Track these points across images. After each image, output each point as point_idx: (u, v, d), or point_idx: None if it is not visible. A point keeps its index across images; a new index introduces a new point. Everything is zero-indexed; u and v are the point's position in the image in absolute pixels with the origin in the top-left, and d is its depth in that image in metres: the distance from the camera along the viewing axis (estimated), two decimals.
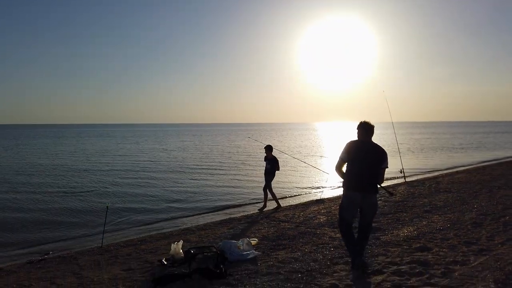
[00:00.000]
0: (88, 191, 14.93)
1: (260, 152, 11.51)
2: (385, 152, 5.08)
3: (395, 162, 22.11)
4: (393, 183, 15.42)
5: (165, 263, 5.95)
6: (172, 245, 6.21)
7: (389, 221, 8.10)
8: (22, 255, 7.83)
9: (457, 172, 18.22)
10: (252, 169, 21.70)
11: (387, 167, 5.06)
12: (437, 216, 8.25)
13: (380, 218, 8.37)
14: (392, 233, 7.04)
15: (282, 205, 11.25)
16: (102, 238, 7.99)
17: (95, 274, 5.88)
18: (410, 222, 7.82)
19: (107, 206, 8.25)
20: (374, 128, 5.22)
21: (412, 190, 12.45)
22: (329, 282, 4.73)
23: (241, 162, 26.04)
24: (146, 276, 5.53)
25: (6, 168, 22.91)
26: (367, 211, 5.14)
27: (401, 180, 15.82)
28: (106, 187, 15.90)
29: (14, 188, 15.71)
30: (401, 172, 15.67)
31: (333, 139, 61.89)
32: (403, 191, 12.38)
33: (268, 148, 11.01)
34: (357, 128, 5.21)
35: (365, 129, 5.11)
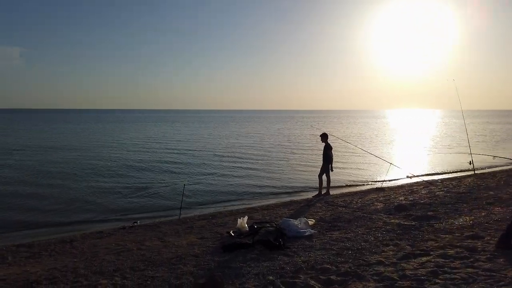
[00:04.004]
0: (166, 171, 16.69)
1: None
2: None
3: (464, 153, 21.14)
4: (460, 175, 14.99)
5: (233, 234, 6.90)
6: (239, 219, 7.14)
7: (447, 210, 8.24)
8: (115, 222, 9.40)
9: None
10: (316, 155, 22.19)
11: None
12: (499, 208, 8.18)
13: (439, 208, 8.53)
14: (447, 221, 7.24)
15: (341, 192, 11.68)
16: (180, 212, 9.25)
17: (176, 239, 7.03)
18: (468, 213, 7.90)
19: (184, 184, 9.47)
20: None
21: (479, 182, 12.12)
22: (376, 259, 5.27)
23: (308, 148, 26.66)
24: (217, 243, 6.52)
25: (97, 148, 26.06)
26: None
27: (470, 172, 15.32)
28: (181, 168, 17.59)
29: (103, 169, 18.08)
30: (470, 163, 15.16)
31: (399, 127, 59.38)
32: (469, 183, 12.11)
33: (322, 136, 11.46)
34: None
35: None
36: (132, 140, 34.09)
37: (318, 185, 11.55)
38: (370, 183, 14.34)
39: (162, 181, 14.42)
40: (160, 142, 31.57)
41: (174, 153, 23.66)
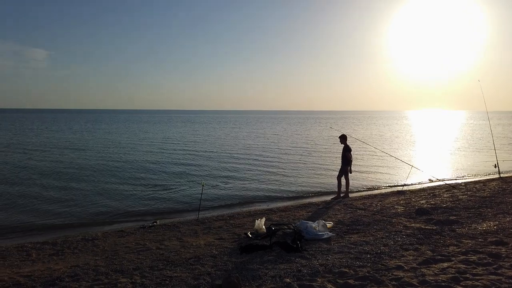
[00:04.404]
0: (184, 172, 16.89)
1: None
2: None
3: (489, 156, 20.52)
4: (485, 179, 14.58)
5: (250, 235, 6.92)
6: (256, 221, 7.16)
7: (470, 215, 8.03)
8: (135, 221, 9.58)
9: None
10: (335, 157, 22.00)
11: None
12: None
13: (461, 212, 8.33)
14: (470, 226, 7.06)
15: (360, 194, 11.54)
16: (198, 212, 9.34)
17: (194, 240, 7.11)
18: (493, 218, 7.68)
19: (202, 185, 9.55)
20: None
21: (504, 186, 11.76)
22: (395, 263, 5.19)
23: (326, 150, 26.46)
24: (234, 244, 6.55)
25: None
26: None
27: (496, 176, 14.89)
28: (198, 169, 17.77)
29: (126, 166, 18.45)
30: (495, 166, 14.73)
31: (421, 129, 58.14)
32: (494, 187, 11.77)
33: (341, 137, 11.37)
34: None
35: None
36: (150, 140, 34.61)
37: (336, 187, 11.45)
38: (390, 186, 14.11)
39: (181, 182, 14.60)
40: (178, 143, 31.95)
41: (192, 154, 23.91)
